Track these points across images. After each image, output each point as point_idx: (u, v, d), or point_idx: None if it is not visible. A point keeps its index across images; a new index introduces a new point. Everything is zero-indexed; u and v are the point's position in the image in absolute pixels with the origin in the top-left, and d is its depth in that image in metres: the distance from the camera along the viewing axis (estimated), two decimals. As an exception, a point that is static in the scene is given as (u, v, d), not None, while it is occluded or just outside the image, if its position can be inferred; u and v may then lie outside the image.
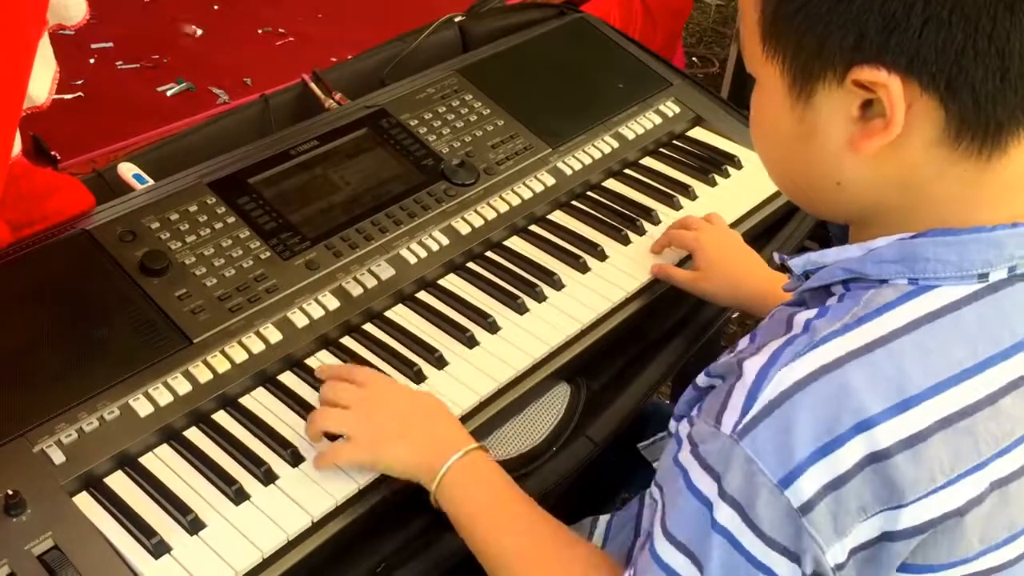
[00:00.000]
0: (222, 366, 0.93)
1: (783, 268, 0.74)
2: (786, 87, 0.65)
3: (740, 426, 0.60)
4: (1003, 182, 0.63)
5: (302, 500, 0.85)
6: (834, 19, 0.60)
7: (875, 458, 0.59)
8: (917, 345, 0.60)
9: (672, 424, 0.74)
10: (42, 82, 0.99)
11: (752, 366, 0.62)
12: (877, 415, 0.59)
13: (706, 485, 0.62)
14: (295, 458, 0.88)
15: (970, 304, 0.62)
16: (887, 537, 0.60)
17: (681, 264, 1.15)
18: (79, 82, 1.45)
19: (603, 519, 0.94)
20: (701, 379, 0.69)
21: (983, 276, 0.62)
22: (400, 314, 1.05)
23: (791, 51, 0.63)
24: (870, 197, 0.66)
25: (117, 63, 1.58)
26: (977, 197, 0.63)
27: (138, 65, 1.58)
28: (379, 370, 0.97)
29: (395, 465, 0.86)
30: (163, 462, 0.87)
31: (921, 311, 0.61)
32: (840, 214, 0.70)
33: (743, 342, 0.70)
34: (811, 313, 0.64)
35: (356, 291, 1.04)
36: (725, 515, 0.61)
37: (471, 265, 1.13)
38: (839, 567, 0.60)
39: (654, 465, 1.09)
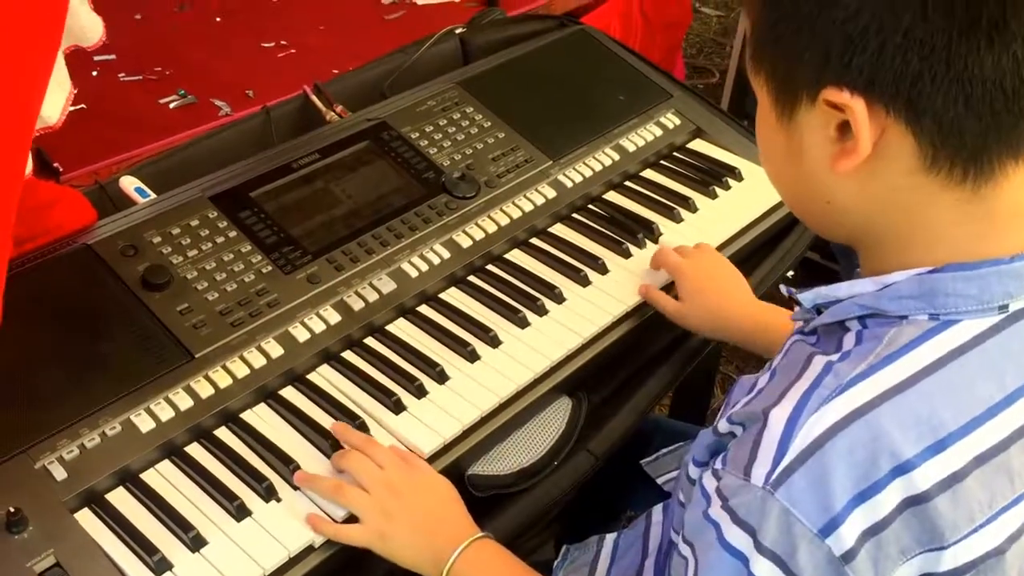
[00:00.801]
0: (224, 381, 0.93)
1: (791, 301, 0.74)
2: (772, 105, 0.66)
3: (773, 477, 0.59)
4: (1005, 210, 0.62)
5: (304, 516, 0.85)
6: (802, 40, 0.61)
7: (914, 501, 0.58)
8: (946, 383, 0.60)
9: (692, 470, 0.71)
10: (55, 103, 0.99)
11: (779, 416, 0.61)
12: (914, 458, 0.58)
13: (740, 540, 0.60)
14: (297, 474, 0.88)
15: (993, 336, 0.62)
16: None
17: (667, 289, 1.13)
18: (78, 93, 1.46)
19: (609, 538, 0.94)
20: (722, 425, 0.67)
21: (1003, 307, 0.62)
22: (401, 328, 1.05)
23: (770, 70, 0.65)
24: (861, 218, 0.66)
25: (119, 75, 1.59)
26: (981, 226, 0.63)
27: (140, 77, 1.59)
28: (382, 386, 0.97)
29: (400, 556, 0.85)
30: (165, 478, 0.87)
31: (946, 348, 0.61)
32: (838, 234, 0.70)
33: (762, 380, 0.68)
34: (833, 356, 0.63)
35: (357, 305, 1.04)
36: (764, 568, 0.59)
37: (472, 278, 1.13)
38: None
39: (657, 481, 1.09)
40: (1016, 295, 0.62)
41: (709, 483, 0.64)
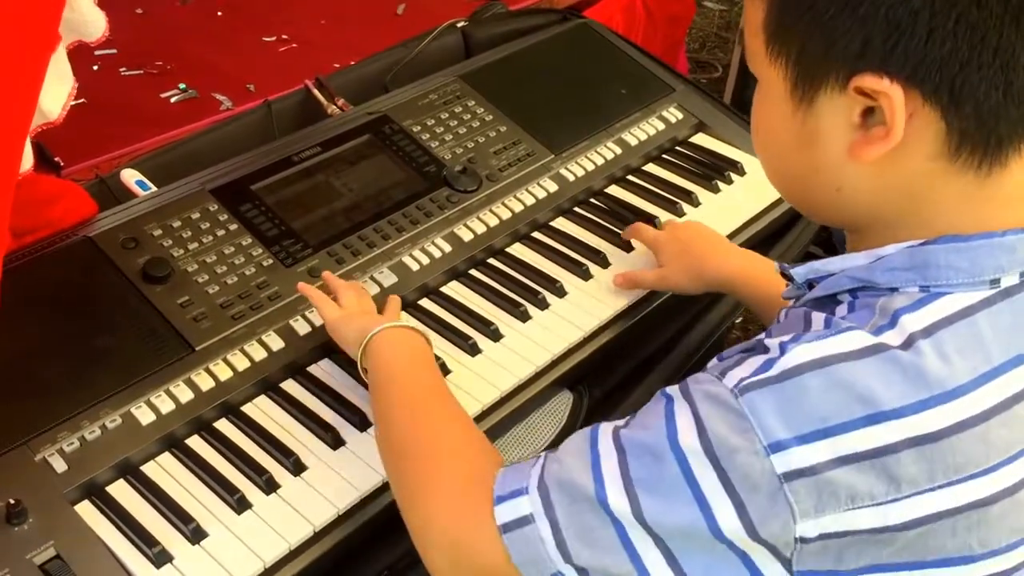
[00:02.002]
0: (224, 374, 0.93)
1: (784, 277, 0.73)
2: (788, 90, 0.64)
3: (744, 383, 0.60)
4: (1005, 194, 0.63)
5: (304, 509, 0.85)
6: (839, 24, 0.59)
7: (879, 453, 0.58)
8: (936, 348, 0.60)
9: None
10: (57, 98, 0.99)
11: (774, 340, 0.62)
12: (890, 411, 0.58)
13: (684, 420, 0.61)
14: (297, 467, 0.88)
15: (984, 310, 0.61)
16: (871, 531, 0.59)
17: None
18: (79, 87, 1.45)
19: None
20: (711, 363, 0.67)
21: (995, 282, 0.62)
22: (402, 321, 1.05)
23: (795, 53, 0.63)
24: (870, 204, 0.65)
25: (120, 69, 1.58)
26: (980, 207, 0.63)
27: (141, 71, 1.58)
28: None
29: (341, 334, 0.93)
30: (165, 470, 0.87)
31: (937, 316, 0.61)
32: (840, 220, 0.70)
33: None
34: (827, 314, 0.64)
35: (358, 298, 1.03)
36: (688, 441, 0.60)
37: (473, 272, 1.12)
38: (804, 541, 0.59)
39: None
40: (1008, 269, 0.62)
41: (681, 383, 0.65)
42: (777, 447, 0.58)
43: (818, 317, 0.64)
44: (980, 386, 0.60)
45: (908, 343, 0.60)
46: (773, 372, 0.60)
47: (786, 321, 0.68)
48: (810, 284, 0.70)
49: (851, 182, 0.65)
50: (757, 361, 0.61)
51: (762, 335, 0.68)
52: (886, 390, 0.58)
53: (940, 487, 0.59)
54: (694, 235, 1.11)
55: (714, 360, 0.67)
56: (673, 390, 0.64)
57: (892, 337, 0.60)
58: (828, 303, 0.67)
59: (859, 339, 0.60)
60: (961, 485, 0.59)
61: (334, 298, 0.98)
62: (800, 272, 0.70)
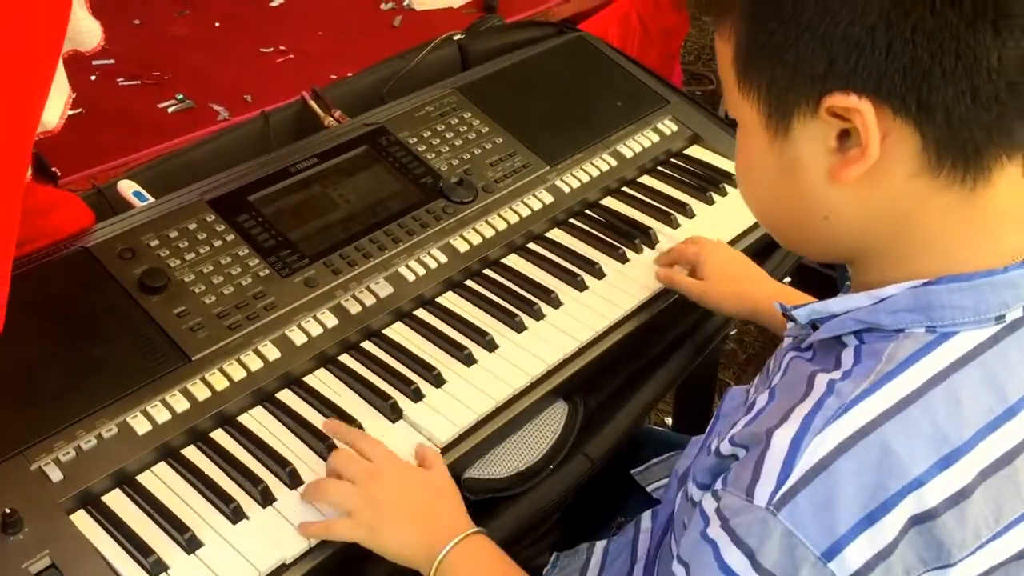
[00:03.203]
0: (220, 384, 0.94)
1: (786, 317, 0.72)
2: (763, 123, 0.65)
3: (777, 498, 0.58)
4: (994, 213, 0.62)
5: (300, 519, 0.85)
6: (802, 47, 0.60)
7: (921, 519, 0.58)
8: (948, 397, 0.59)
9: (695, 492, 0.69)
10: (55, 108, 0.99)
11: (783, 436, 0.60)
12: (922, 476, 0.58)
13: (737, 561, 0.59)
14: (293, 478, 0.88)
15: (992, 347, 0.61)
16: None
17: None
18: (76, 97, 1.46)
19: (599, 545, 0.94)
20: (724, 447, 0.66)
21: (1000, 318, 0.62)
22: (398, 332, 1.05)
23: (765, 85, 0.64)
24: (859, 230, 0.65)
25: (118, 80, 1.59)
26: (972, 228, 0.63)
27: (139, 82, 1.59)
28: (378, 389, 0.97)
29: (391, 548, 0.83)
30: (161, 480, 0.87)
31: (946, 361, 0.61)
32: (831, 252, 0.70)
33: (761, 399, 0.67)
34: (835, 374, 0.63)
35: (354, 309, 1.04)
36: None
37: (469, 283, 1.13)
38: None
39: (647, 489, 1.09)
40: (1012, 305, 0.62)
41: (708, 504, 0.63)
42: (830, 554, 0.57)
43: (821, 380, 0.63)
44: (997, 428, 0.60)
45: (919, 394, 0.59)
46: (797, 475, 0.58)
47: (787, 380, 0.67)
48: (813, 324, 0.69)
49: (837, 209, 0.64)
50: (775, 465, 0.60)
51: (764, 399, 0.66)
52: (910, 457, 0.58)
53: (988, 541, 0.59)
54: (737, 258, 1.14)
55: (725, 443, 0.65)
56: (714, 532, 0.62)
57: (902, 386, 0.60)
58: (833, 345, 0.66)
59: (870, 408, 0.59)
60: (1009, 532, 0.59)
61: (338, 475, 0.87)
62: (802, 314, 0.69)
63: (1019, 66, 0.57)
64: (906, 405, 0.59)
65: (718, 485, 0.63)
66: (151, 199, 1.12)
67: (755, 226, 1.28)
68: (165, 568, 0.80)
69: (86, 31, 1.01)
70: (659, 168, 1.36)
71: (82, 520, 0.83)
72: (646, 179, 1.34)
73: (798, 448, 0.59)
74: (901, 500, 0.57)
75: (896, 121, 0.59)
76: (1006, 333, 0.62)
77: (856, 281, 0.69)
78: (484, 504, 0.96)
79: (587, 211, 1.27)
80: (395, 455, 0.89)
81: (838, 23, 0.58)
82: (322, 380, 0.99)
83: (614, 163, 1.32)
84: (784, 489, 0.58)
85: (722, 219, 1.28)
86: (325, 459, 0.90)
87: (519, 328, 1.07)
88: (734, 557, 0.60)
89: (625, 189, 1.31)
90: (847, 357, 0.64)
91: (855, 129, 0.60)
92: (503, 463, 0.99)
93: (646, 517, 0.92)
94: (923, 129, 0.59)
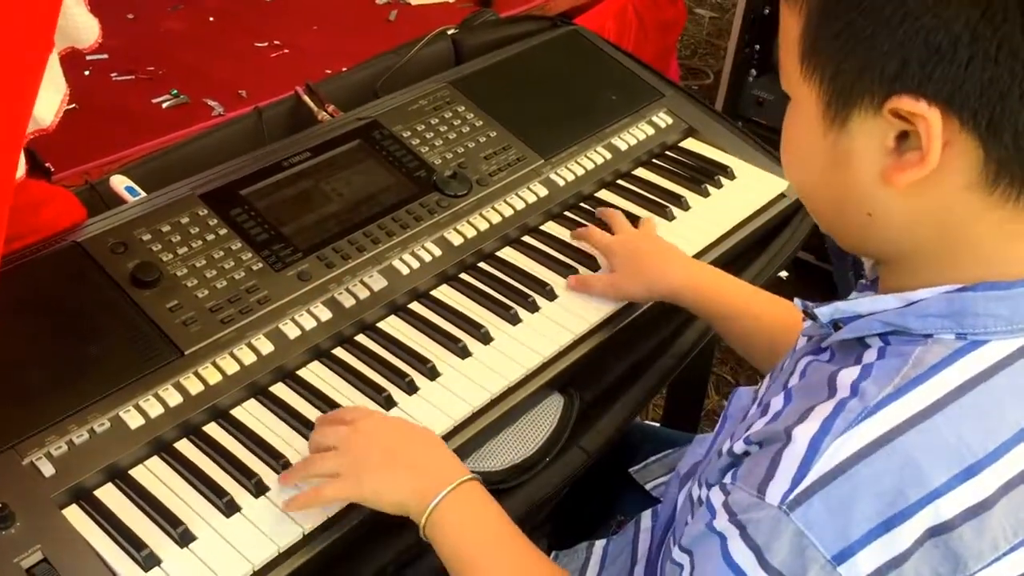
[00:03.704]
0: (213, 378, 0.93)
1: (807, 315, 0.71)
2: (821, 110, 0.63)
3: (791, 497, 0.58)
4: None
5: (293, 512, 0.84)
6: (878, 44, 0.58)
7: (938, 531, 0.57)
8: (974, 407, 0.58)
9: (702, 492, 0.68)
10: (50, 104, 0.99)
11: (803, 435, 0.59)
12: (941, 487, 0.57)
13: (744, 557, 0.59)
14: (287, 470, 0.88)
15: (1021, 359, 0.60)
16: None
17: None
18: (70, 93, 1.45)
19: (599, 544, 0.93)
20: (738, 446, 0.64)
21: None
22: (392, 325, 1.05)
23: (830, 73, 0.61)
24: (901, 233, 0.63)
25: (112, 75, 1.58)
26: (1017, 243, 0.61)
27: (133, 77, 1.58)
28: (373, 382, 0.97)
29: (381, 495, 0.81)
30: (154, 474, 0.87)
31: (974, 370, 0.59)
32: (873, 248, 0.68)
33: (776, 402, 0.66)
34: (854, 373, 0.61)
35: (348, 302, 1.04)
36: None
37: (464, 276, 1.13)
38: None
39: (646, 487, 1.09)
40: None
41: (716, 497, 0.62)
42: (841, 557, 0.57)
43: (844, 380, 0.62)
44: (1022, 441, 0.59)
45: (945, 403, 0.58)
46: (814, 476, 0.58)
47: (805, 381, 0.66)
48: (835, 324, 0.67)
49: (883, 208, 0.62)
50: (792, 464, 0.59)
51: (780, 402, 0.64)
52: (932, 468, 0.57)
53: (1006, 554, 0.58)
54: (644, 242, 1.11)
55: (740, 443, 0.64)
56: (721, 524, 0.61)
57: (928, 393, 0.59)
58: (855, 346, 0.65)
59: (894, 415, 0.58)
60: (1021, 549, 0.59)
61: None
62: (825, 312, 0.67)
63: None
64: (931, 413, 0.58)
65: (727, 479, 0.63)
66: (143, 194, 1.11)
67: (750, 218, 1.28)
68: (158, 562, 0.80)
69: (83, 27, 1.01)
70: (654, 161, 1.36)
71: (74, 514, 0.82)
72: (641, 172, 1.34)
73: (817, 449, 0.58)
74: (920, 510, 0.56)
75: (961, 134, 0.57)
76: None
77: (886, 281, 0.68)
78: (479, 497, 0.95)
79: (582, 204, 1.26)
80: (376, 411, 0.87)
81: (920, 27, 0.56)
82: (316, 373, 0.99)
83: (609, 156, 1.31)
84: (799, 489, 0.58)
85: (717, 211, 1.27)
86: (319, 452, 0.90)
87: (514, 320, 1.07)
88: (741, 552, 0.59)
89: (620, 182, 1.31)
90: (870, 357, 0.63)
91: (916, 133, 0.58)
92: (498, 456, 0.99)
93: (646, 516, 0.92)
94: (988, 146, 0.57)
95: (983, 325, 0.60)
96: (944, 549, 0.57)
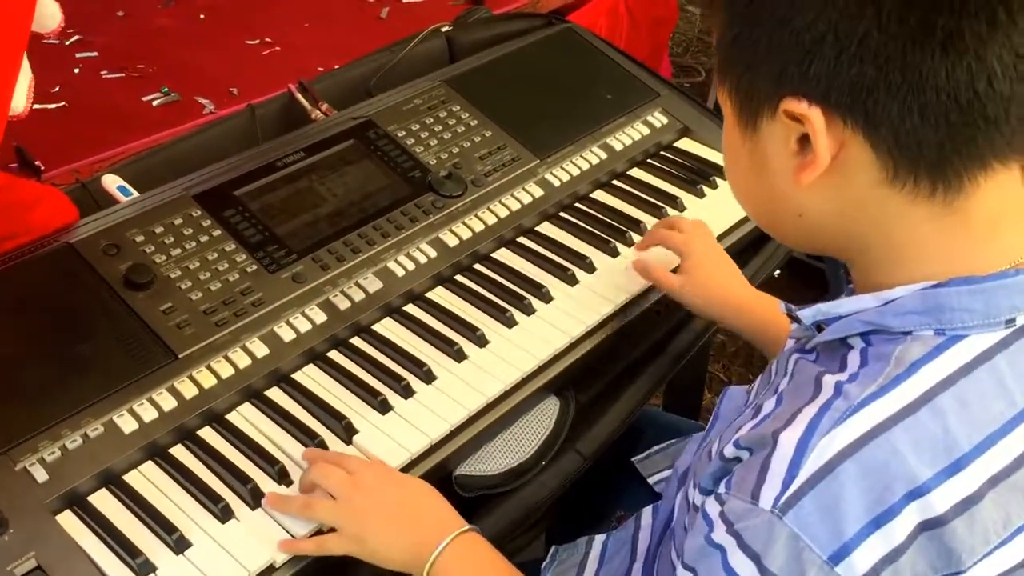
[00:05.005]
0: (208, 381, 0.92)
1: (791, 318, 0.72)
2: (736, 118, 0.66)
3: (782, 500, 0.58)
4: (981, 219, 0.61)
5: (288, 519, 0.84)
6: (761, 51, 0.61)
7: (929, 525, 0.57)
8: (957, 400, 0.59)
9: (697, 496, 0.68)
10: (20, 91, 0.98)
11: (789, 438, 0.59)
12: (929, 481, 0.57)
13: (743, 566, 0.59)
14: (282, 475, 0.87)
15: (1001, 351, 0.61)
16: None
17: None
18: (59, 91, 1.44)
19: (599, 539, 0.93)
20: (728, 450, 0.65)
21: (1010, 321, 0.61)
22: (388, 328, 1.05)
23: (734, 81, 0.65)
24: (834, 231, 0.65)
25: (102, 72, 1.57)
26: (964, 237, 0.62)
27: (123, 75, 1.56)
28: (368, 386, 0.96)
29: (383, 554, 0.82)
30: (148, 480, 0.86)
31: (955, 364, 0.60)
32: (818, 248, 0.69)
33: (768, 404, 0.66)
34: (842, 376, 0.62)
35: (343, 304, 1.03)
36: None
37: (459, 278, 1.12)
38: None
39: (649, 480, 1.08)
40: (1022, 308, 0.61)
41: (712, 508, 0.62)
42: (837, 557, 0.57)
43: (828, 381, 0.62)
44: (1007, 433, 0.59)
45: (928, 398, 0.59)
46: (803, 477, 0.58)
47: (794, 383, 0.66)
48: (818, 326, 0.68)
49: (808, 208, 0.65)
50: (781, 466, 0.59)
51: (772, 404, 0.65)
52: (918, 461, 0.57)
53: (997, 547, 0.59)
54: (719, 258, 1.10)
55: (729, 446, 0.64)
56: (719, 536, 0.61)
57: (911, 390, 0.59)
58: (839, 347, 0.65)
59: (878, 411, 0.59)
60: (1018, 538, 0.59)
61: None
62: (807, 315, 0.68)
63: (968, 87, 0.56)
64: (915, 409, 0.58)
65: (721, 488, 0.62)
66: (136, 194, 1.10)
67: (745, 220, 1.27)
68: (153, 569, 0.79)
69: (47, 13, 0.99)
70: (649, 161, 1.35)
71: (68, 521, 0.82)
72: (636, 172, 1.33)
73: (804, 450, 0.58)
74: (908, 504, 0.57)
75: (848, 132, 0.59)
76: (1015, 337, 0.61)
77: (858, 281, 0.69)
78: (476, 501, 0.95)
79: (577, 205, 1.26)
80: (374, 463, 0.88)
81: (792, 29, 0.59)
82: (311, 377, 0.98)
83: (604, 156, 1.31)
84: (790, 492, 0.58)
85: (712, 212, 1.27)
86: (315, 457, 0.89)
87: (510, 323, 1.06)
88: (741, 563, 0.59)
89: (615, 182, 1.31)
90: (853, 359, 0.63)
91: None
92: (495, 460, 0.98)
93: (646, 513, 0.92)
94: (872, 142, 0.59)
95: (960, 320, 0.61)
96: (938, 543, 0.57)
